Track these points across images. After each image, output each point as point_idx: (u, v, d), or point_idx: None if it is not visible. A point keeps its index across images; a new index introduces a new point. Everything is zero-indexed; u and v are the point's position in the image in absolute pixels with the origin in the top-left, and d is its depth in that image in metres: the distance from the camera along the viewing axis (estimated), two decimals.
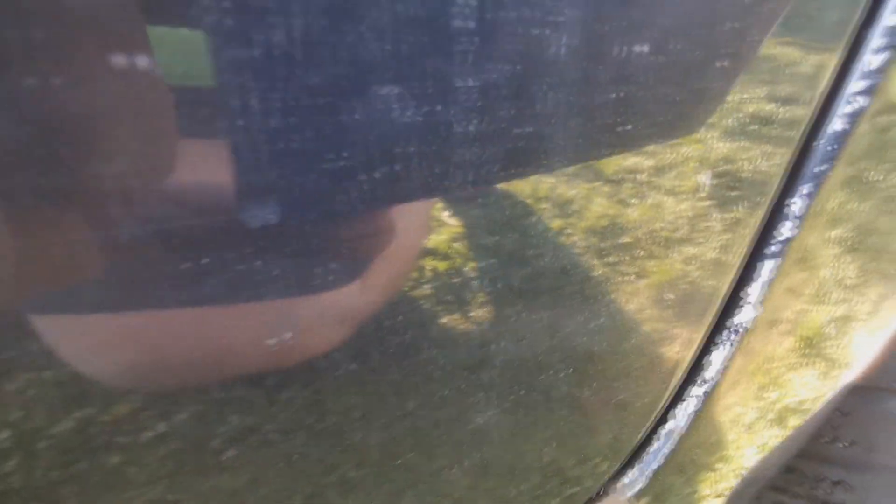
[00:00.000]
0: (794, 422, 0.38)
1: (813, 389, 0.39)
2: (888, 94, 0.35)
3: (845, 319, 0.43)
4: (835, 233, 0.39)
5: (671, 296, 0.31)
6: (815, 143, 0.34)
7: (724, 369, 0.33)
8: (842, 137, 0.34)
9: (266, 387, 0.27)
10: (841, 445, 0.40)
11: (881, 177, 0.42)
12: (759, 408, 0.38)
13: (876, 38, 0.32)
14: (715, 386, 0.34)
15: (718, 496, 0.39)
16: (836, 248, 0.39)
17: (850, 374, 0.39)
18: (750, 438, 0.39)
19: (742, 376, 0.36)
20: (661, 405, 0.33)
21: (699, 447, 0.37)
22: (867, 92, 0.34)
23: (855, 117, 0.34)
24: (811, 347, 0.39)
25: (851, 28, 0.32)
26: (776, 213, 0.35)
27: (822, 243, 0.38)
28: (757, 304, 0.33)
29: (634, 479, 0.34)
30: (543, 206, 0.26)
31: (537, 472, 0.33)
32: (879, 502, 0.38)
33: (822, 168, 0.34)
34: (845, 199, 0.38)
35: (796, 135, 0.33)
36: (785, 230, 0.34)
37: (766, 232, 0.34)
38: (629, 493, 0.35)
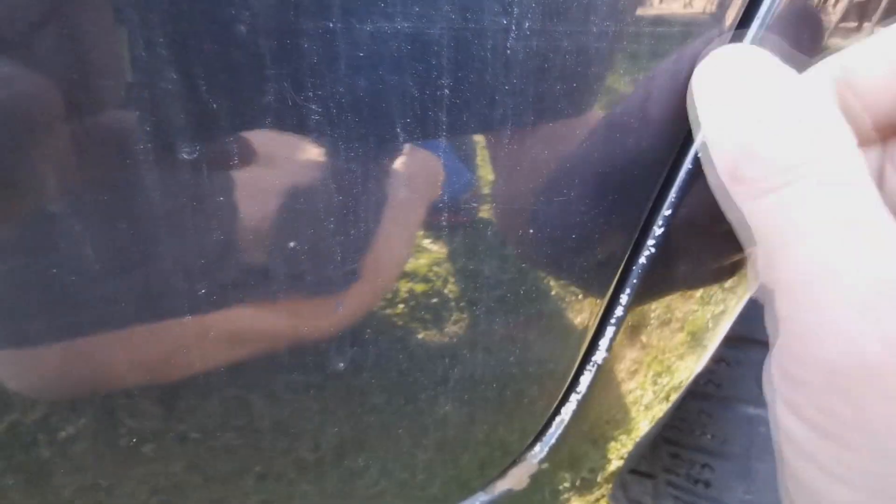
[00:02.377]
0: (674, 396, 0.49)
1: (688, 371, 0.49)
2: None
3: (721, 314, 0.53)
4: None
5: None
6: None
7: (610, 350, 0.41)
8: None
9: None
10: (708, 437, 0.52)
11: None
12: (654, 391, 0.47)
13: None
14: (602, 367, 0.42)
15: (620, 458, 0.49)
16: None
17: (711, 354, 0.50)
18: (646, 414, 0.48)
19: (640, 366, 0.45)
20: (564, 386, 0.41)
21: (608, 424, 0.46)
22: None
23: None
24: (695, 339, 0.49)
25: None
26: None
27: None
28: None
29: (542, 448, 0.43)
30: None
31: (482, 446, 0.40)
32: (729, 479, 0.52)
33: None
34: None
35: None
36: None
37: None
38: (537, 460, 0.44)
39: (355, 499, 0.39)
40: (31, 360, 0.26)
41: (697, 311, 0.48)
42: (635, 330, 0.41)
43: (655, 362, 0.46)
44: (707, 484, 0.56)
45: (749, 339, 0.53)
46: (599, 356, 0.41)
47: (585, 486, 0.49)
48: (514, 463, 0.44)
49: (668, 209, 0.36)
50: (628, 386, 0.45)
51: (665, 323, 0.45)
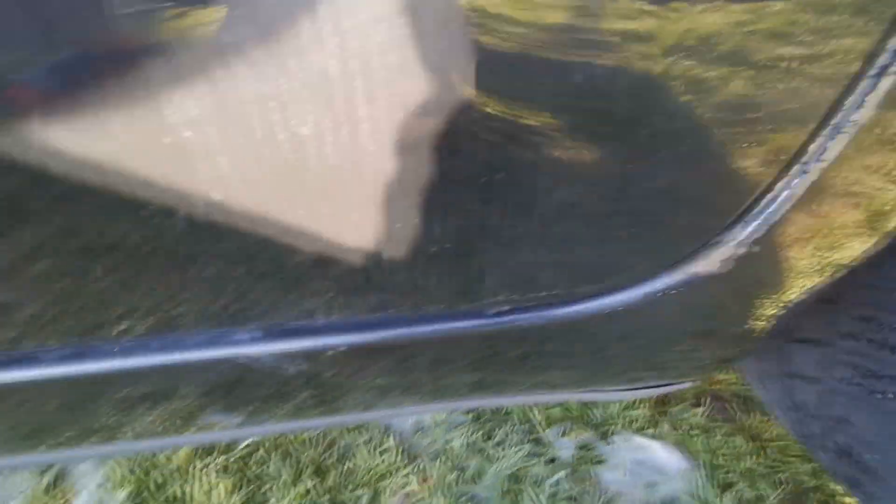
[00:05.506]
0: (837, 273, 0.49)
1: (859, 252, 0.48)
2: None
3: None
4: None
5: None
6: None
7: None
8: None
9: None
10: None
11: None
12: (816, 258, 0.48)
13: None
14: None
15: (765, 320, 0.53)
16: None
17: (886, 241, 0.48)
18: (800, 281, 0.50)
19: (814, 234, 0.46)
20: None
21: (762, 282, 0.48)
22: None
23: None
24: (875, 220, 0.48)
25: None
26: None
27: None
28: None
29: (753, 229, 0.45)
30: None
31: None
32: None
33: None
34: None
35: None
36: None
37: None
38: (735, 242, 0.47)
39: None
40: None
41: (885, 189, 0.46)
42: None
43: (822, 234, 0.47)
44: None
45: None
46: (862, 115, 0.39)
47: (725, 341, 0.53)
48: (709, 244, 0.45)
49: None
50: (792, 251, 0.47)
51: (843, 195, 0.45)
